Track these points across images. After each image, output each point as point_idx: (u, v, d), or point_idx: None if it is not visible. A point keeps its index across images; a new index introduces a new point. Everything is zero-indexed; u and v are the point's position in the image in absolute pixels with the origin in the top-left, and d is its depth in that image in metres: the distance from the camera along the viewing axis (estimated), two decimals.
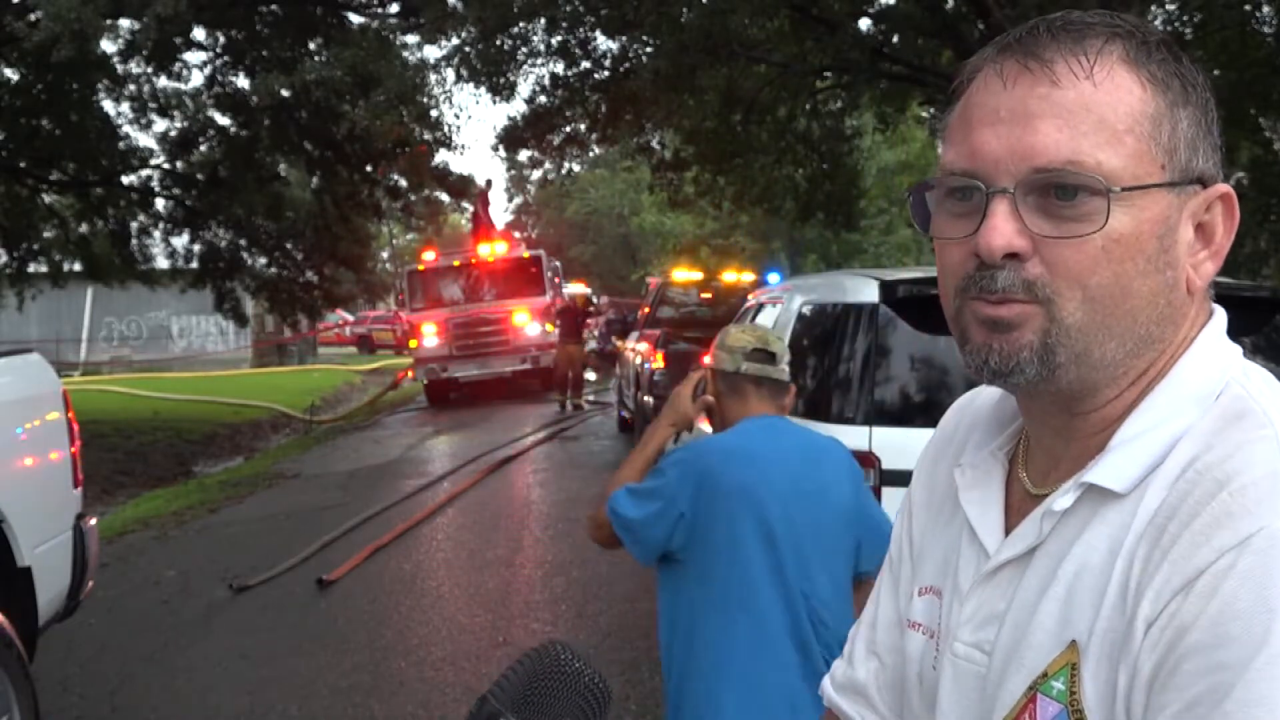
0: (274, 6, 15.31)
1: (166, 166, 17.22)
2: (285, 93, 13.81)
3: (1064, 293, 0.83)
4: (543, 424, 14.62)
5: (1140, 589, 0.78)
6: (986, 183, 0.85)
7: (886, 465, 3.20)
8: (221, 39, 15.59)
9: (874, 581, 1.96)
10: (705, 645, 2.25)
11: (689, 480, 2.29)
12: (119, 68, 15.38)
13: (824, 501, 2.35)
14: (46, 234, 18.30)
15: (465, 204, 19.99)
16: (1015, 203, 0.84)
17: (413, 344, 18.70)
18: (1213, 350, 0.88)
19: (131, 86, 16.25)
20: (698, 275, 16.12)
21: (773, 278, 12.65)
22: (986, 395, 1.05)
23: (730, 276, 15.10)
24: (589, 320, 20.14)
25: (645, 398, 10.94)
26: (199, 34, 15.07)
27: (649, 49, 12.73)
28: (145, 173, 17.29)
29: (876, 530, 2.35)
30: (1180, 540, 0.77)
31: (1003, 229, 0.83)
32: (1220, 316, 0.91)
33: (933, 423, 1.15)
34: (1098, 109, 0.83)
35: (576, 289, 32.59)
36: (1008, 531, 0.93)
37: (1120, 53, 0.85)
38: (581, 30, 13.28)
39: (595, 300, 29.01)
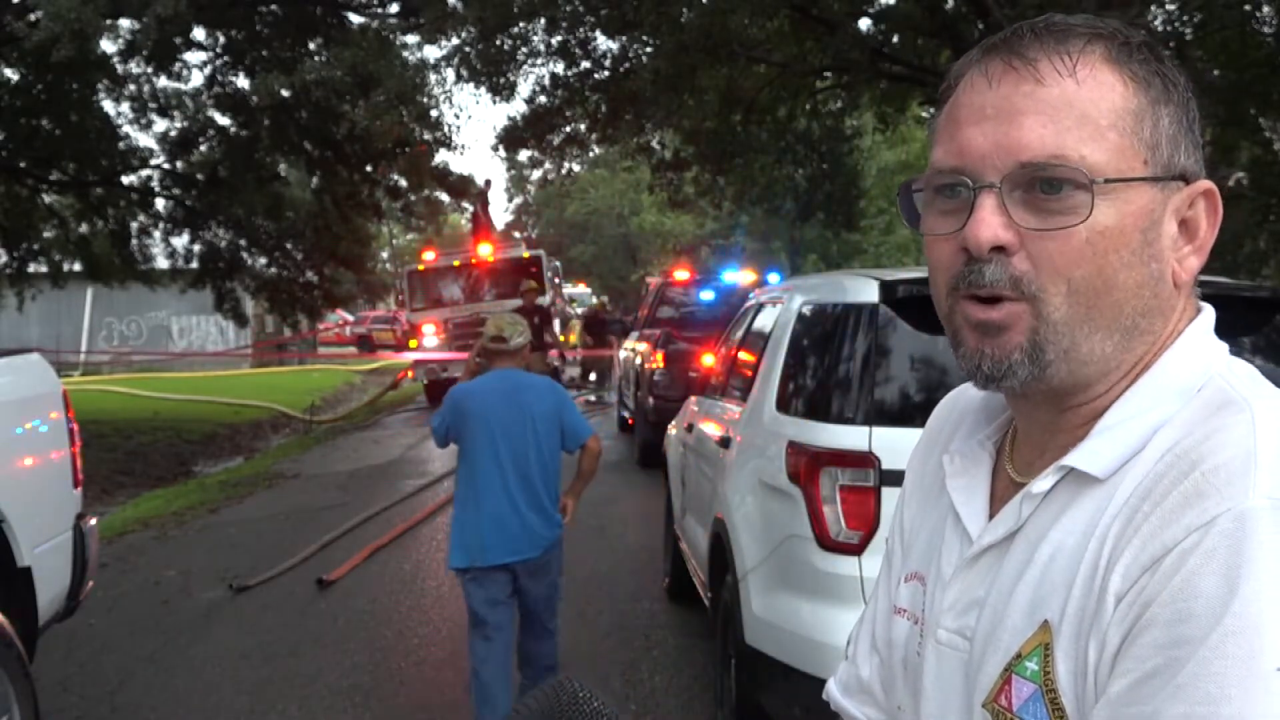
0: (274, 6, 15.32)
1: (166, 166, 17.22)
2: (285, 93, 13.81)
3: (1048, 288, 0.85)
4: None
5: (1111, 565, 0.80)
6: (974, 178, 0.87)
7: (886, 465, 3.19)
8: (221, 39, 15.60)
9: (589, 446, 4.32)
10: (462, 482, 4.29)
11: (450, 407, 4.32)
12: (119, 68, 15.39)
13: (527, 412, 4.22)
14: (46, 234, 18.31)
15: (465, 204, 19.98)
16: (1002, 197, 0.86)
17: (412, 344, 18.68)
18: (1198, 345, 0.90)
19: (131, 86, 16.26)
20: (694, 276, 16.07)
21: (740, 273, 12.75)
22: None
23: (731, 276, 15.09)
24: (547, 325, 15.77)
25: (646, 398, 10.92)
26: (199, 34, 15.08)
27: (649, 49, 12.73)
28: (145, 173, 17.31)
29: (569, 425, 4.32)
30: (1151, 518, 0.79)
31: (990, 221, 0.85)
32: (1208, 313, 0.93)
33: None
34: (1081, 105, 0.85)
35: (578, 290, 32.53)
36: (991, 520, 0.95)
37: (1102, 52, 0.87)
38: (581, 30, 13.28)
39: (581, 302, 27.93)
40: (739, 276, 13.80)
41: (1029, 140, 0.84)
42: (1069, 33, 0.87)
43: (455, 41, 12.78)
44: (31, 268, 18.35)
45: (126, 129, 16.61)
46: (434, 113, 15.09)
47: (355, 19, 16.04)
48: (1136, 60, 0.87)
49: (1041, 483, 0.89)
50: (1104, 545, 0.81)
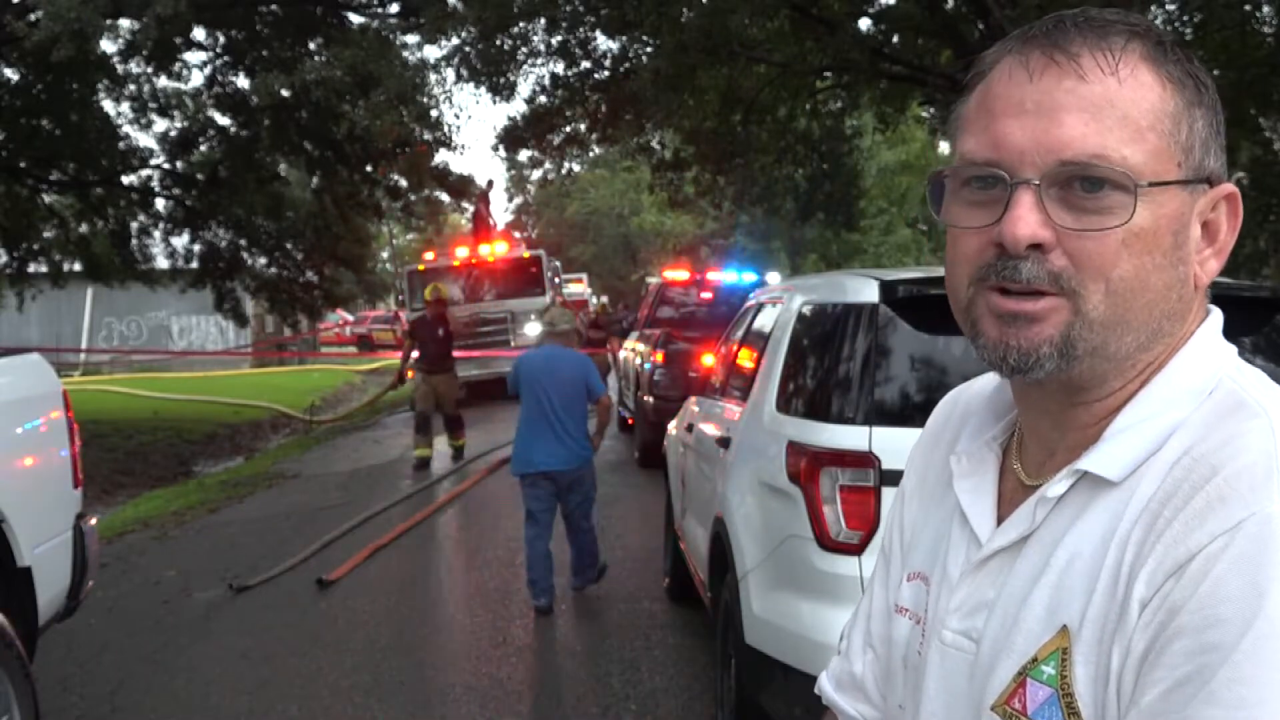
0: (274, 6, 15.31)
1: (166, 166, 17.22)
2: (285, 93, 13.80)
3: (1089, 285, 0.84)
4: None
5: (1134, 572, 0.79)
6: (1011, 173, 0.85)
7: (886, 465, 3.19)
8: (221, 39, 15.60)
9: (601, 402, 6.44)
10: (520, 417, 6.23)
11: (515, 369, 6.36)
12: (119, 68, 15.39)
13: (560, 374, 6.15)
14: (46, 234, 18.32)
15: (465, 204, 19.98)
16: (1040, 194, 0.84)
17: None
18: (1209, 347, 0.89)
19: (131, 86, 16.27)
20: (687, 275, 16.00)
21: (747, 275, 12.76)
22: (981, 384, 1.07)
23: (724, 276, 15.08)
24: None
25: (646, 397, 10.92)
26: (199, 34, 15.08)
27: (649, 49, 12.73)
28: (145, 173, 17.31)
29: (590, 386, 6.24)
30: (1174, 524, 0.78)
31: (1028, 219, 0.84)
32: (1217, 316, 0.93)
33: None
34: (1122, 105, 0.84)
35: (577, 291, 32.38)
36: (999, 521, 0.94)
37: (1141, 50, 0.86)
38: (581, 30, 13.28)
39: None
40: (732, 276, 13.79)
41: (1070, 138, 0.83)
42: (1109, 29, 0.86)
43: (455, 41, 12.79)
44: (31, 268, 18.36)
45: (126, 129, 16.64)
46: (434, 113, 15.07)
47: (355, 19, 16.03)
48: (1172, 60, 0.86)
49: (1056, 487, 0.88)
50: (1125, 551, 0.81)
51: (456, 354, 17.47)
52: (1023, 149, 0.85)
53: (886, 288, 3.48)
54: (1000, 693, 0.87)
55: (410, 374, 12.13)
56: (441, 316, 11.86)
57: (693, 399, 5.94)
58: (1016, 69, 0.87)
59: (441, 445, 11.98)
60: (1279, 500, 0.75)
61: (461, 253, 18.42)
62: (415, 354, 11.89)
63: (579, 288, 33.32)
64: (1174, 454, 0.83)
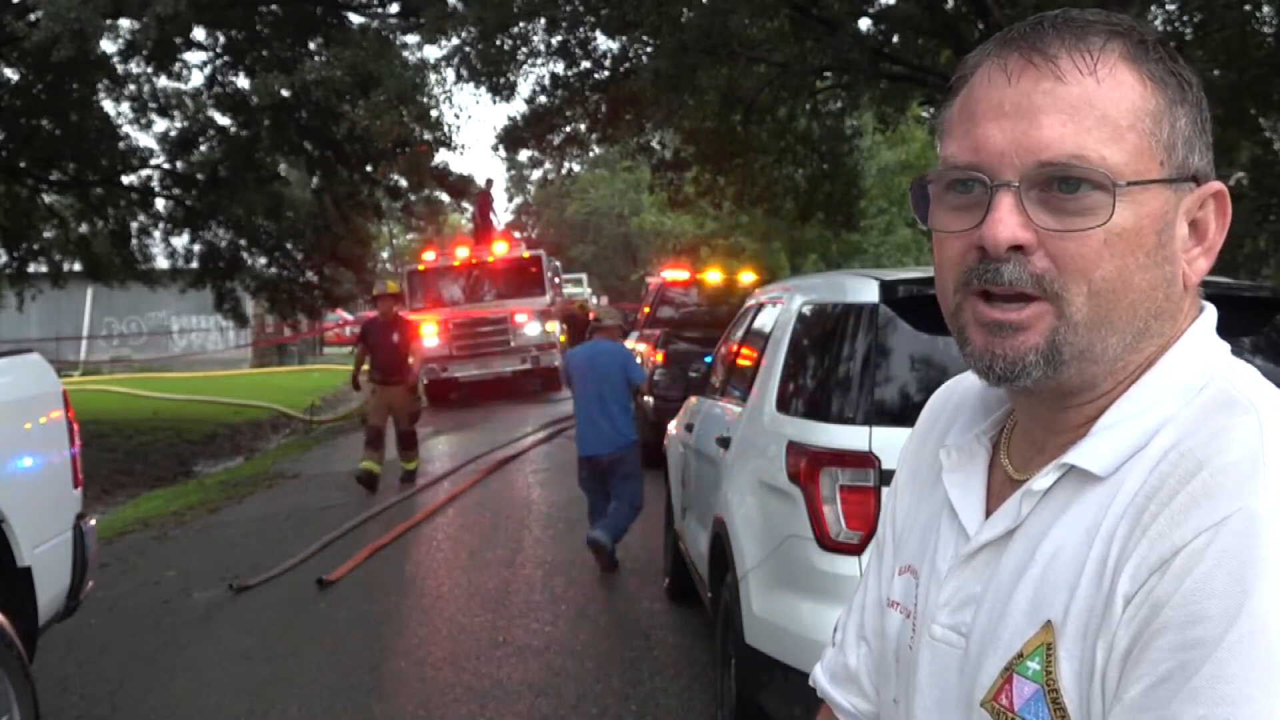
0: (274, 6, 15.32)
1: (166, 166, 17.23)
2: (285, 93, 13.81)
3: (1071, 287, 0.84)
4: (543, 424, 14.59)
5: (1119, 566, 0.79)
6: (990, 176, 0.85)
7: (886, 465, 3.19)
8: (221, 39, 15.60)
9: (640, 389, 7.55)
10: (575, 406, 7.13)
11: (566, 360, 7.57)
12: (119, 68, 15.40)
13: (603, 365, 6.86)
14: (46, 234, 18.33)
15: (465, 204, 19.97)
16: (1019, 196, 0.84)
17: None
18: (1200, 344, 0.89)
19: (131, 86, 16.29)
20: (687, 275, 15.98)
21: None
22: (974, 378, 1.06)
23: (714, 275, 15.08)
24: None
25: (645, 398, 10.91)
26: (199, 34, 15.08)
27: (649, 49, 12.73)
28: (145, 173, 17.32)
29: (631, 375, 6.93)
30: (1159, 519, 0.78)
31: (1008, 221, 0.84)
32: (1210, 313, 0.92)
33: None
34: (1101, 105, 0.84)
35: (578, 292, 32.34)
36: (988, 515, 0.94)
37: (1121, 50, 0.86)
38: (581, 30, 13.28)
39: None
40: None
41: (1049, 139, 0.83)
42: (1088, 29, 0.86)
43: (455, 41, 12.77)
44: (31, 268, 18.37)
45: (126, 129, 16.67)
46: (434, 113, 15.07)
47: (355, 19, 16.03)
48: (1153, 59, 0.86)
49: (1042, 480, 0.88)
50: (1110, 545, 0.81)
51: (456, 354, 17.42)
52: (1002, 151, 0.85)
53: (886, 288, 3.48)
54: (988, 688, 0.87)
55: (359, 386, 10.98)
56: (393, 318, 10.23)
57: (693, 399, 5.94)
58: (996, 72, 0.87)
59: (441, 444, 11.95)
60: (1265, 496, 0.75)
61: (461, 253, 18.41)
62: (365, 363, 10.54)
63: (579, 288, 33.32)
64: (1161, 449, 0.82)
